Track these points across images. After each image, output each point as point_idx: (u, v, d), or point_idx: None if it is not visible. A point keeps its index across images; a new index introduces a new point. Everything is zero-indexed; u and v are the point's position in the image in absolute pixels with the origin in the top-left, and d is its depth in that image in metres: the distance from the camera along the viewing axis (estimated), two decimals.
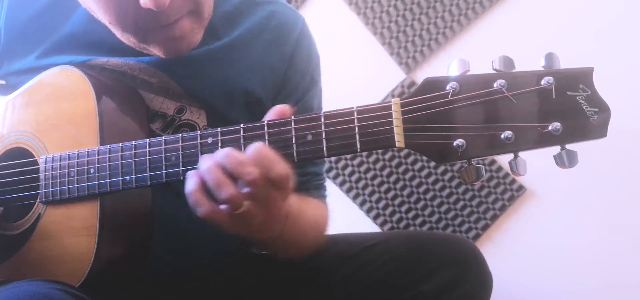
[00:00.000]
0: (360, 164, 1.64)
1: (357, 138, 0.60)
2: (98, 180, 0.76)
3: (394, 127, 0.57)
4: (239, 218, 0.65)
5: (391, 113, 0.58)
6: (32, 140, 0.85)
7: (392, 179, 1.63)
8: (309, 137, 0.63)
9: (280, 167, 0.61)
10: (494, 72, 0.54)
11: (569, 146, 0.52)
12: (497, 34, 1.56)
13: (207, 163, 0.63)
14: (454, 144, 0.55)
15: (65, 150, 0.80)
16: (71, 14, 0.91)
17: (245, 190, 0.62)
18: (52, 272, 0.79)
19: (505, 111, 0.53)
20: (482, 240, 1.59)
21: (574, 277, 1.55)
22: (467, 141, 0.54)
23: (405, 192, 1.63)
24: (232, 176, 0.62)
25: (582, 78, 0.51)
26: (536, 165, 1.50)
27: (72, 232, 0.78)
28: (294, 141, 0.64)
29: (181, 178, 0.72)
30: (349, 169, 1.65)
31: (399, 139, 0.57)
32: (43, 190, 0.81)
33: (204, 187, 0.63)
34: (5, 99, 0.91)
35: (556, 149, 0.53)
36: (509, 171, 1.51)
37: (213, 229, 0.91)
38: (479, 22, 1.57)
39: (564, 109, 0.51)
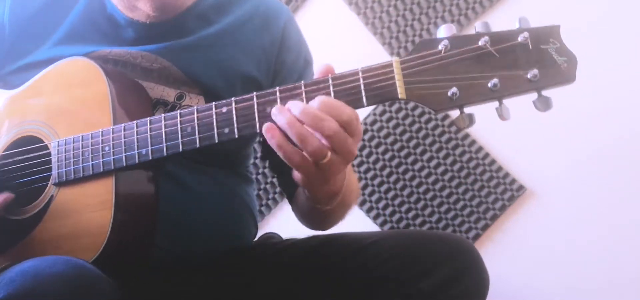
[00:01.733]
0: (360, 164, 1.71)
1: (363, 94, 0.72)
2: (114, 156, 0.84)
3: (396, 82, 0.70)
4: (323, 167, 0.73)
5: (393, 69, 0.71)
6: (43, 127, 0.92)
7: (392, 179, 1.70)
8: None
9: (348, 111, 0.71)
10: (479, 32, 0.68)
11: (544, 92, 0.66)
12: None
13: (286, 116, 0.72)
14: (449, 93, 0.68)
15: (78, 133, 0.87)
16: (71, 8, 1.01)
17: (326, 141, 0.70)
18: (66, 249, 0.85)
19: (490, 63, 0.66)
20: (482, 240, 1.66)
21: (574, 276, 1.61)
22: (460, 90, 0.67)
23: (405, 192, 1.69)
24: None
25: (551, 33, 0.65)
26: (536, 165, 1.60)
27: (87, 208, 0.85)
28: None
29: (198, 145, 0.80)
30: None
31: (400, 92, 0.70)
32: (56, 172, 0.88)
33: (288, 138, 0.72)
34: (14, 92, 0.99)
35: (534, 96, 0.66)
36: (509, 171, 1.62)
37: (213, 218, 1.00)
38: (479, 22, 1.66)
39: (539, 59, 0.65)
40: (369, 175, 1.71)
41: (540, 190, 1.65)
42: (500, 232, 1.67)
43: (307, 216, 1.03)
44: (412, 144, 1.70)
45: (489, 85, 0.66)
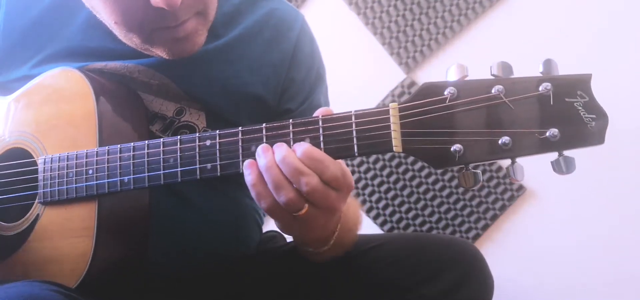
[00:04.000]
0: (360, 163, 1.65)
1: (354, 141, 0.61)
2: (96, 181, 0.77)
3: (392, 132, 0.58)
4: (301, 219, 0.64)
5: (389, 118, 0.58)
6: (32, 141, 0.85)
7: (392, 179, 1.63)
8: (307, 141, 0.64)
9: (333, 168, 0.62)
10: (492, 77, 0.54)
11: (566, 152, 0.52)
12: (497, 34, 1.56)
13: (267, 158, 0.63)
14: (452, 149, 0.55)
15: (65, 151, 0.80)
16: (68, 23, 0.90)
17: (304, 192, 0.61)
18: (50, 272, 0.79)
19: (503, 117, 0.53)
20: (482, 240, 1.60)
21: (574, 276, 1.55)
22: (465, 146, 0.54)
23: (405, 192, 1.63)
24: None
25: (579, 85, 0.51)
26: (536, 165, 1.51)
27: (70, 233, 0.79)
28: (291, 144, 0.64)
29: (179, 180, 0.72)
30: (349, 169, 1.65)
31: (396, 144, 0.58)
32: (41, 191, 0.81)
33: (264, 180, 0.64)
34: (5, 100, 0.91)
35: (554, 155, 0.53)
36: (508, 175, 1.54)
37: (210, 229, 0.92)
38: (479, 22, 1.57)
39: (562, 116, 0.52)
40: (369, 175, 1.65)
41: (540, 190, 1.58)
42: (500, 232, 1.60)
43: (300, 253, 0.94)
44: None
45: (500, 142, 0.53)
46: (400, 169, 1.63)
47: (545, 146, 0.52)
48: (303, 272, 0.91)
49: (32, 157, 0.85)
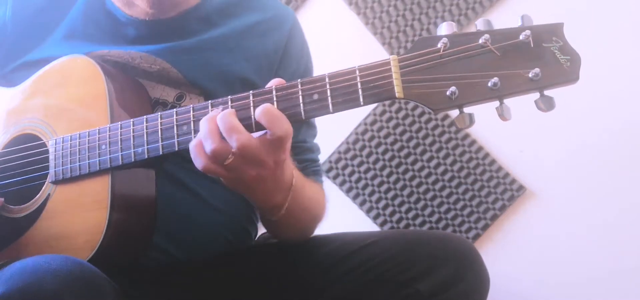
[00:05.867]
0: (360, 164, 1.69)
1: (360, 93, 0.69)
2: (110, 154, 0.82)
3: (394, 80, 0.67)
4: (231, 171, 0.73)
5: (390, 68, 0.67)
6: (41, 125, 0.91)
7: (392, 179, 1.68)
8: (315, 96, 0.72)
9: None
10: (479, 30, 0.65)
11: (547, 92, 0.62)
12: None
13: (206, 117, 0.73)
14: (447, 92, 0.64)
15: (75, 132, 0.86)
16: (71, 4, 0.99)
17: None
18: (62, 248, 0.84)
19: (490, 62, 0.63)
20: (482, 240, 1.64)
21: (573, 276, 1.59)
22: (459, 89, 0.64)
23: (405, 192, 1.67)
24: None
25: (555, 31, 0.62)
26: (536, 165, 1.57)
27: (83, 207, 0.84)
28: (301, 100, 0.72)
29: None
30: (349, 169, 1.70)
31: (398, 90, 0.66)
32: (53, 170, 0.86)
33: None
34: (13, 89, 0.97)
35: (536, 95, 0.63)
36: (509, 171, 1.60)
37: (214, 220, 0.98)
38: (480, 20, 1.64)
39: (541, 58, 0.61)
40: (369, 175, 1.69)
41: (540, 190, 1.63)
42: (500, 232, 1.65)
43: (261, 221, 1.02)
44: (412, 143, 1.68)
45: (489, 84, 0.62)
46: (400, 169, 1.67)
47: (529, 85, 0.61)
48: (300, 266, 0.95)
49: (41, 140, 0.90)
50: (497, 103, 0.64)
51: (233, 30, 1.01)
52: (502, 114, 0.63)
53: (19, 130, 0.93)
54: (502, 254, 1.64)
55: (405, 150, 1.68)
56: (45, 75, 0.94)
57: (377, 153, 1.70)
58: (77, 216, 0.84)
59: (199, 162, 0.73)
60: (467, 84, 0.63)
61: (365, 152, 1.70)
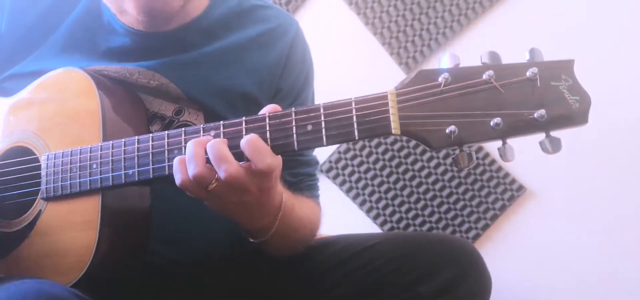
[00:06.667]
0: (361, 164, 1.68)
1: (355, 126, 0.65)
2: (100, 175, 0.79)
3: (390, 116, 0.63)
4: (214, 197, 0.71)
5: (387, 102, 0.63)
6: (34, 138, 0.88)
7: (392, 179, 1.67)
8: (309, 127, 0.68)
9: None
10: (483, 64, 0.60)
11: (553, 133, 0.58)
12: (497, 33, 1.61)
13: (195, 140, 0.71)
14: (447, 130, 0.60)
15: (68, 147, 0.83)
16: (68, 14, 0.95)
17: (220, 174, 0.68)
18: (52, 266, 0.82)
19: (494, 100, 0.59)
20: (482, 240, 1.63)
21: (573, 276, 1.58)
22: (459, 128, 0.60)
23: (405, 192, 1.66)
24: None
25: (564, 69, 0.57)
26: (536, 165, 1.55)
27: (73, 226, 0.81)
28: (294, 131, 0.69)
29: None
30: (349, 169, 1.69)
31: (394, 127, 0.63)
32: (44, 187, 0.84)
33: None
34: (8, 100, 0.94)
35: (541, 136, 0.59)
36: (509, 171, 1.58)
37: (211, 222, 0.93)
38: (479, 22, 1.62)
39: (548, 98, 0.57)
40: (369, 175, 1.68)
41: (540, 190, 1.62)
42: (500, 232, 1.64)
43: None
44: (412, 144, 1.66)
45: (491, 124, 0.58)
46: (401, 169, 1.66)
47: (533, 126, 0.57)
48: (301, 268, 0.94)
49: (34, 154, 0.87)
50: (499, 143, 0.60)
51: (234, 44, 0.96)
52: (505, 155, 0.59)
53: (12, 142, 0.91)
54: (502, 254, 1.64)
55: (405, 150, 1.67)
56: (40, 87, 0.91)
57: (377, 153, 1.68)
58: (66, 235, 0.82)
59: (178, 177, 0.71)
60: (468, 123, 0.59)
61: (365, 152, 1.69)
